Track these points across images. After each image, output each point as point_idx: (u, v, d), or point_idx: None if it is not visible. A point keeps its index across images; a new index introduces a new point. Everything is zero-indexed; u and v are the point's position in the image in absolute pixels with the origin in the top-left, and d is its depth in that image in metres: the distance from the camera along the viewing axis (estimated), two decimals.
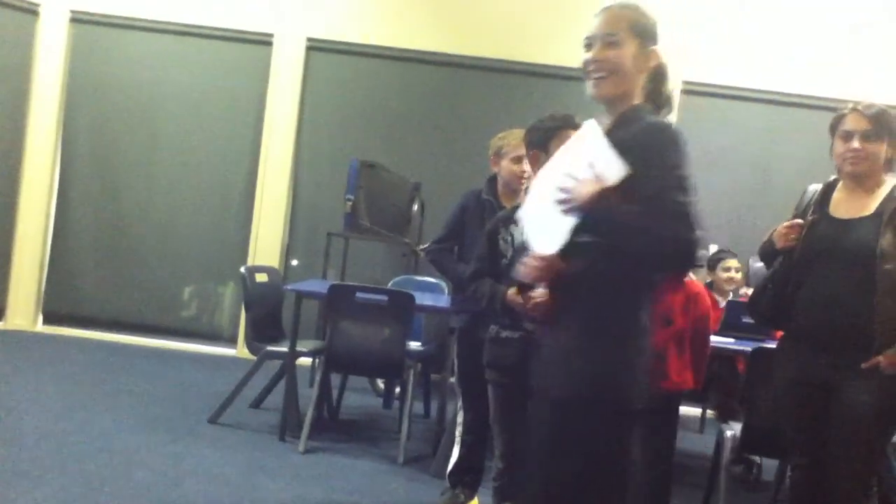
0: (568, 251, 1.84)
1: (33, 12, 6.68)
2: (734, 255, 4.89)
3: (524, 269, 1.92)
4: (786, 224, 2.68)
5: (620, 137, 1.81)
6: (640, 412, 1.86)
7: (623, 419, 1.84)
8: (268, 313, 4.84)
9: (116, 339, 6.65)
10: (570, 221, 1.80)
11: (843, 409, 2.48)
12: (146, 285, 6.76)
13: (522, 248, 1.97)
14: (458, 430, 3.46)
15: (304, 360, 4.85)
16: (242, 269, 4.82)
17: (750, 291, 3.56)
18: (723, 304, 4.62)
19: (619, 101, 1.89)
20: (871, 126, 2.54)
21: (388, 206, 5.91)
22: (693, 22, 6.44)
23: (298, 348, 4.39)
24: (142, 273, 6.75)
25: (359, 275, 5.94)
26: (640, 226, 1.73)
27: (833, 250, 2.55)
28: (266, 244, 6.70)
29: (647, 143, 1.78)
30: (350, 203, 5.51)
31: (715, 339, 3.68)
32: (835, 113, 2.66)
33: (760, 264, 3.00)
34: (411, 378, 4.31)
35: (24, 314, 6.75)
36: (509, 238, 2.93)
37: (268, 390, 4.91)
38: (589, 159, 1.81)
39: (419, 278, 5.47)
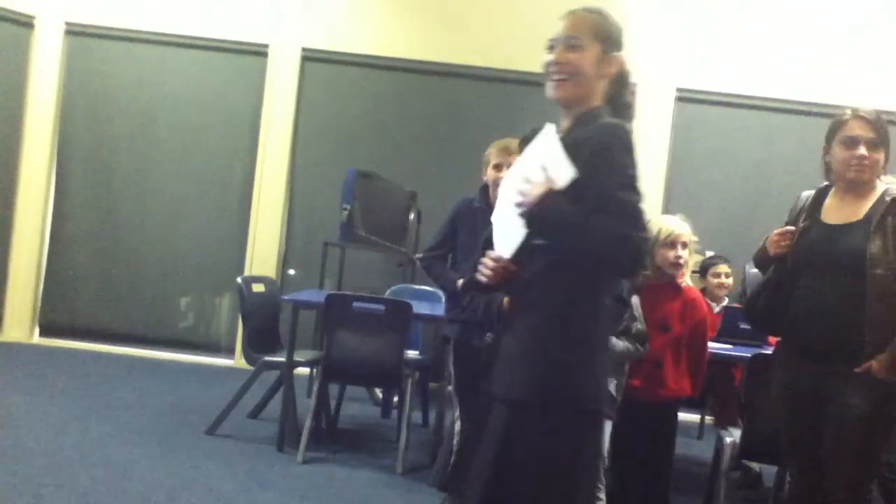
0: (522, 254, 1.88)
1: (28, 24, 6.68)
2: (725, 261, 4.89)
3: (481, 270, 1.95)
4: (777, 231, 2.70)
5: (574, 138, 1.85)
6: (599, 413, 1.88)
7: (582, 419, 1.84)
8: (265, 323, 4.83)
9: (113, 351, 6.63)
10: (522, 224, 1.84)
11: (836, 415, 2.48)
12: (143, 296, 6.74)
13: (485, 249, 2.00)
14: (456, 440, 3.45)
15: (302, 370, 4.84)
16: (239, 280, 4.81)
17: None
18: (717, 309, 4.63)
19: (578, 104, 1.92)
20: (876, 134, 2.56)
21: (385, 216, 5.91)
22: (686, 29, 6.47)
23: (296, 358, 4.38)
24: (138, 284, 6.74)
25: (356, 284, 5.93)
26: (586, 225, 1.75)
27: (824, 256, 2.56)
28: (262, 254, 6.70)
29: (597, 142, 1.81)
30: (346, 212, 5.51)
31: (712, 346, 3.68)
32: (831, 118, 2.68)
33: (756, 270, 3.01)
34: (409, 387, 4.31)
35: (20, 326, 6.73)
36: None
37: (265, 401, 4.89)
38: (541, 162, 1.85)
39: (416, 287, 5.46)
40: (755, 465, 4.25)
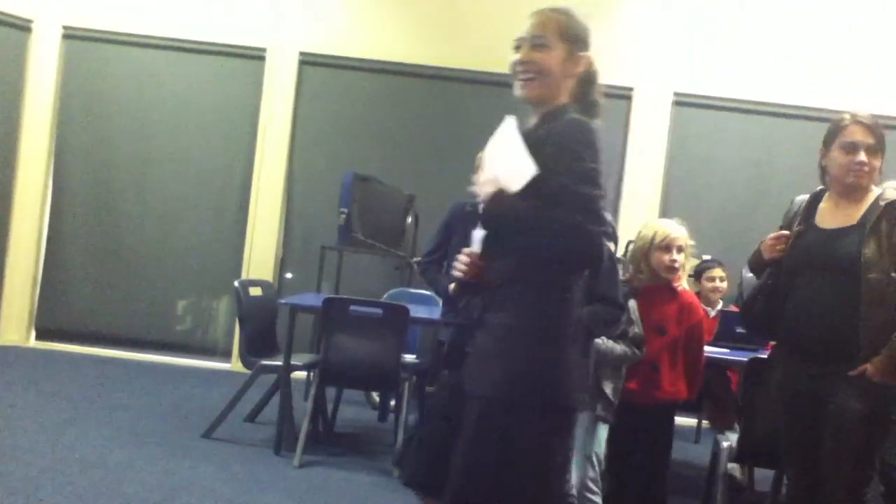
0: (489, 251, 1.92)
1: (26, 28, 6.68)
2: (720, 264, 4.90)
3: (455, 266, 1.99)
4: (772, 235, 2.71)
5: (538, 135, 1.88)
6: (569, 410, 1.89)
7: (553, 415, 1.86)
8: (262, 327, 4.83)
9: (110, 354, 6.62)
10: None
11: (833, 417, 2.49)
12: (140, 300, 6.74)
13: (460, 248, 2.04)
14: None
15: (299, 374, 4.84)
16: (236, 283, 4.80)
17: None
18: (713, 313, 4.64)
19: (545, 102, 1.95)
20: (875, 140, 2.58)
21: (383, 219, 5.92)
22: (683, 34, 6.49)
23: (293, 362, 4.38)
24: (135, 288, 6.73)
25: (353, 288, 5.93)
26: (538, 221, 1.78)
27: (819, 260, 2.57)
28: (260, 258, 6.70)
29: (560, 137, 1.83)
30: (344, 216, 5.51)
31: (709, 350, 3.69)
32: (828, 123, 2.69)
33: (752, 274, 3.02)
34: (406, 391, 4.31)
35: (16, 329, 6.73)
36: None
37: (262, 404, 4.89)
38: (501, 158, 1.89)
39: (413, 291, 5.46)
40: (740, 476, 4.22)
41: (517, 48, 1.97)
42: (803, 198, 2.75)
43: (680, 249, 3.26)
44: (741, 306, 3.00)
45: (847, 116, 2.62)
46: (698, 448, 5.19)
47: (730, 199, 6.51)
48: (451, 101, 6.73)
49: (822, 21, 6.41)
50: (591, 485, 3.07)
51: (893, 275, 2.46)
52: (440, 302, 5.18)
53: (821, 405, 2.53)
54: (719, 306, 4.82)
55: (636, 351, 3.10)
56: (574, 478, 2.91)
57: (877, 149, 2.58)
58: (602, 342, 2.95)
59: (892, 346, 2.42)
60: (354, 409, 5.44)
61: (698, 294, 4.73)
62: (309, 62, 6.74)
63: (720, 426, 4.16)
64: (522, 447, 1.82)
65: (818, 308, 2.53)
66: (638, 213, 5.97)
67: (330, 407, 4.88)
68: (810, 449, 2.58)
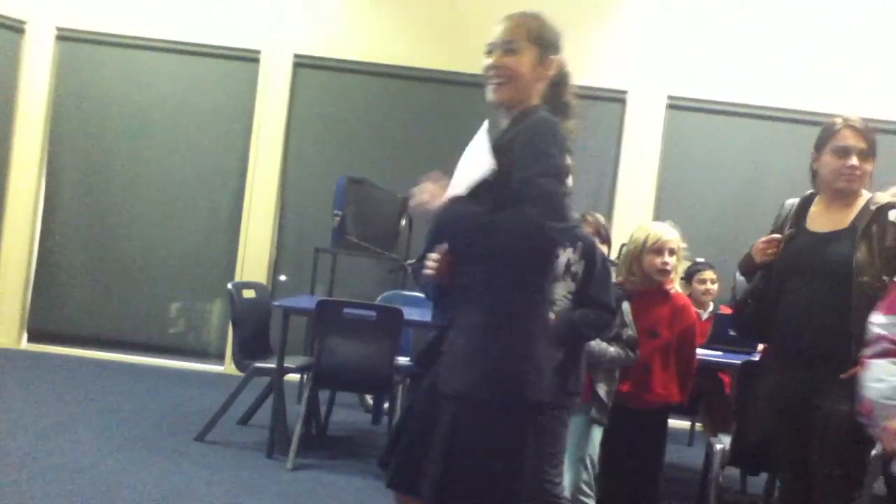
0: (457, 251, 1.95)
1: (19, 29, 6.66)
2: (711, 267, 4.90)
3: (426, 265, 2.02)
4: (763, 239, 2.71)
5: (508, 136, 1.91)
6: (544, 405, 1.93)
7: (525, 412, 1.90)
8: (255, 330, 4.82)
9: (102, 357, 6.60)
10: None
11: (823, 420, 2.49)
12: (133, 302, 6.72)
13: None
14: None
15: (293, 377, 4.83)
16: (229, 286, 4.79)
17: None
18: (704, 316, 4.64)
19: (516, 106, 1.97)
20: (867, 145, 2.58)
21: (376, 222, 5.92)
22: (677, 39, 6.50)
23: (286, 364, 4.37)
24: (128, 290, 6.71)
25: (347, 290, 5.93)
26: (490, 223, 1.82)
27: (810, 264, 2.57)
28: (253, 260, 6.69)
29: (528, 134, 1.86)
30: (338, 218, 5.51)
31: (702, 353, 3.70)
32: (820, 127, 2.69)
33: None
34: (400, 394, 4.30)
35: (8, 332, 6.70)
36: None
37: (255, 407, 4.88)
38: (465, 159, 1.93)
39: (407, 293, 5.46)
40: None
41: (489, 53, 1.99)
42: (793, 201, 2.76)
43: (672, 252, 3.26)
44: (733, 309, 3.00)
45: (839, 120, 2.63)
46: (692, 451, 5.20)
47: (723, 203, 6.52)
48: (445, 104, 6.73)
49: (818, 24, 6.43)
50: (584, 487, 3.07)
51: (885, 278, 2.47)
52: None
53: (812, 408, 2.53)
54: (710, 308, 4.82)
55: (630, 353, 3.10)
56: (567, 480, 2.91)
57: (868, 153, 2.59)
58: (595, 344, 2.96)
59: None
60: (348, 412, 5.43)
61: (689, 296, 4.74)
62: (303, 64, 6.73)
63: (714, 429, 4.16)
64: (496, 444, 1.86)
65: (809, 311, 2.53)
66: (631, 216, 5.98)
67: (323, 410, 4.88)
68: (801, 452, 2.58)
